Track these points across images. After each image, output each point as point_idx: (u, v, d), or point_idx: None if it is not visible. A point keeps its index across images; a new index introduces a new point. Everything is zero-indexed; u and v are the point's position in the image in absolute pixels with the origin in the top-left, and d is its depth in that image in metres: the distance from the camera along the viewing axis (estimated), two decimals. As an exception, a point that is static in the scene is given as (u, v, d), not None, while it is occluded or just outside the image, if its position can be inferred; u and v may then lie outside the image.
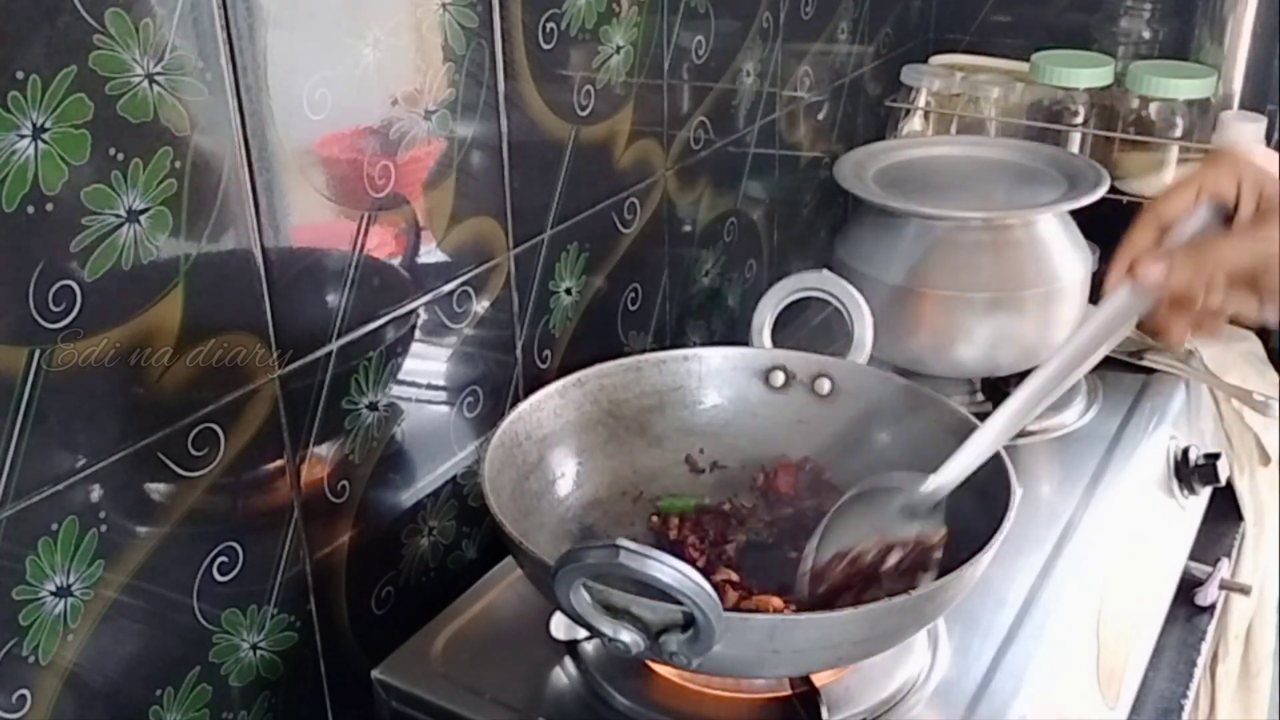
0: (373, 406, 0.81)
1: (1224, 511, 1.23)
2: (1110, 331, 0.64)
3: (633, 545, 0.58)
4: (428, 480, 0.89)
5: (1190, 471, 1.11)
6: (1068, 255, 1.05)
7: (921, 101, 1.40)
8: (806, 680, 0.73)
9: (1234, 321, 0.62)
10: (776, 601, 0.74)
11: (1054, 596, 0.86)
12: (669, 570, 0.58)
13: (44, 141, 0.57)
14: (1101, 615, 0.91)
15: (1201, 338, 0.62)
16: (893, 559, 0.70)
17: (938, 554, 0.70)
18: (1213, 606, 1.15)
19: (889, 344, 1.00)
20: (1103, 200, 1.05)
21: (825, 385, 0.89)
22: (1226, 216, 0.60)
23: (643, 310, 1.09)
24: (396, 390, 0.83)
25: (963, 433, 0.80)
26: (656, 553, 0.58)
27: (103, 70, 0.59)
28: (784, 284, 0.92)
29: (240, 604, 0.75)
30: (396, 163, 0.78)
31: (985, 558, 0.68)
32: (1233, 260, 0.59)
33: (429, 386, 0.87)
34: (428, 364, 0.86)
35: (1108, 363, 1.14)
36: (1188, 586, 1.14)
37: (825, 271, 0.92)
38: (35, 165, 0.57)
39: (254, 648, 0.77)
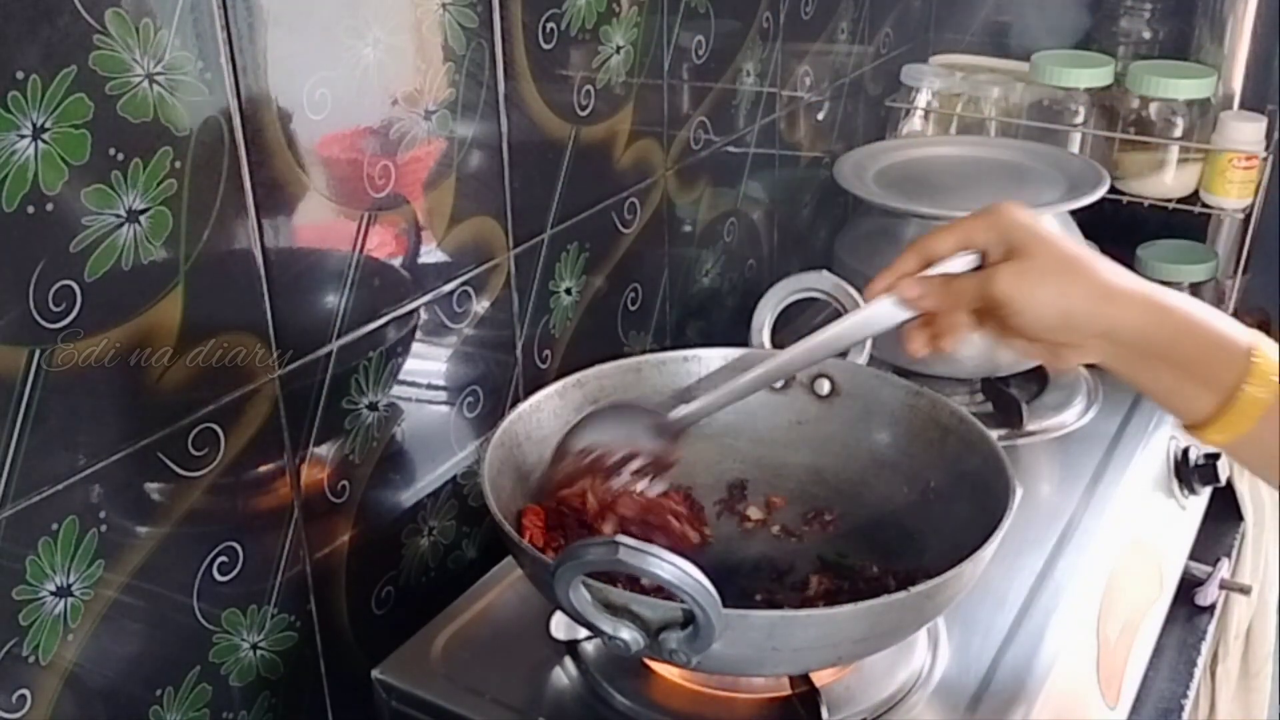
0: (373, 406, 0.81)
1: (1224, 511, 1.23)
2: (863, 331, 0.76)
3: (632, 542, 0.58)
4: (428, 480, 0.89)
5: (1190, 471, 1.11)
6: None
7: (921, 101, 1.40)
8: (806, 679, 0.73)
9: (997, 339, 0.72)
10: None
11: (1054, 596, 0.86)
12: (668, 567, 0.58)
13: (44, 141, 0.57)
14: (1101, 615, 0.91)
15: (936, 351, 0.74)
16: (634, 464, 0.79)
17: (672, 469, 0.81)
18: (1213, 606, 1.15)
19: (889, 344, 1.00)
20: (1103, 200, 1.05)
21: (825, 385, 0.89)
22: (983, 262, 0.70)
23: (643, 310, 1.09)
24: (396, 390, 0.83)
25: (963, 433, 0.81)
26: (656, 549, 0.58)
27: (103, 70, 0.59)
28: (784, 284, 0.92)
29: (240, 604, 0.75)
30: (396, 163, 0.78)
31: (985, 556, 0.68)
32: (967, 293, 0.69)
33: (429, 386, 0.87)
34: (428, 364, 0.86)
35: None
36: (1188, 586, 1.14)
37: (825, 272, 0.92)
38: (35, 165, 0.57)
39: (254, 648, 0.77)
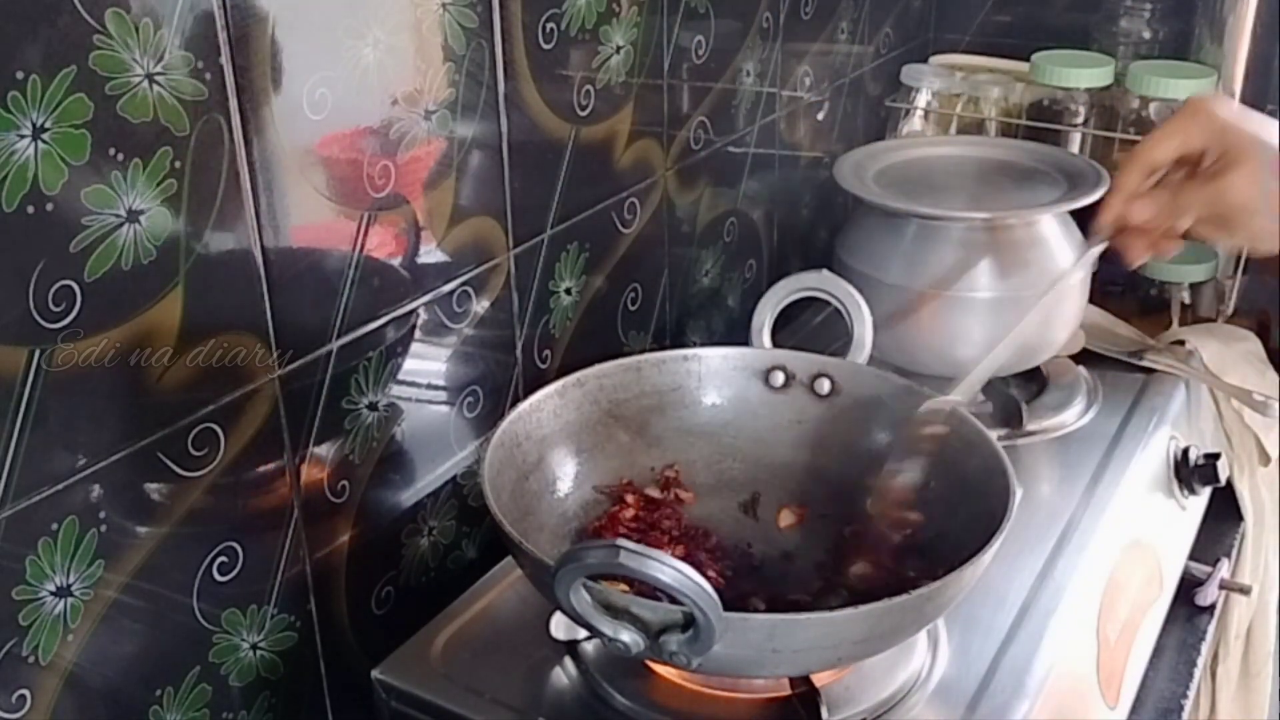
0: (373, 406, 0.81)
1: (1224, 511, 1.23)
2: (1088, 260, 0.78)
3: (632, 545, 0.58)
4: (428, 480, 0.89)
5: (1190, 471, 1.11)
6: (1068, 255, 1.05)
7: (921, 101, 1.40)
8: (806, 680, 0.73)
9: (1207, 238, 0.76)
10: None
11: (1054, 596, 0.86)
12: (669, 570, 0.58)
13: (44, 141, 0.57)
14: (1101, 615, 0.91)
15: (1159, 256, 0.76)
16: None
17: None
18: (1213, 606, 1.15)
19: (889, 344, 1.00)
20: (1103, 200, 1.04)
21: (825, 385, 0.89)
22: (1195, 161, 0.71)
23: (643, 310, 1.09)
24: (396, 390, 0.83)
25: (963, 433, 0.81)
26: (656, 553, 0.58)
27: (103, 70, 0.59)
28: (784, 284, 0.92)
29: (240, 604, 0.75)
30: (396, 163, 0.78)
31: (985, 558, 0.68)
32: (1200, 205, 0.69)
33: (429, 386, 0.87)
34: (428, 364, 0.86)
35: (1108, 363, 1.15)
36: (1188, 586, 1.14)
37: (825, 271, 0.92)
38: (35, 165, 0.57)
39: (254, 648, 0.77)
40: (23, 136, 0.56)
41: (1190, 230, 0.72)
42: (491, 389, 0.93)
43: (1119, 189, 0.72)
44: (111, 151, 0.60)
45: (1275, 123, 0.69)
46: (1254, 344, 1.24)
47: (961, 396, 0.80)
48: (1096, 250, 0.75)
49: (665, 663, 0.67)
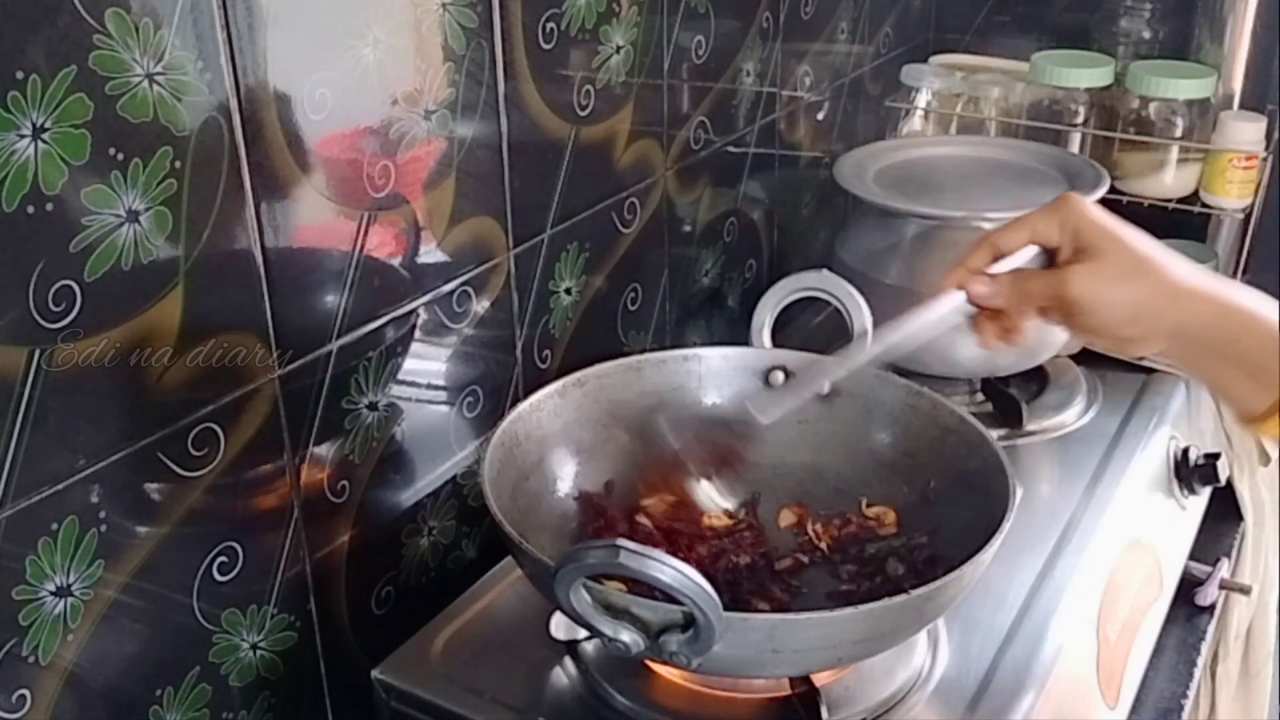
0: (373, 406, 0.81)
1: (1224, 511, 1.23)
2: (933, 326, 0.75)
3: (633, 545, 0.58)
4: (428, 480, 0.89)
5: (1190, 471, 1.11)
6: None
7: (921, 101, 1.40)
8: (806, 680, 0.73)
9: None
10: None
11: (1054, 596, 0.86)
12: (669, 570, 0.58)
13: (44, 141, 0.57)
14: (1101, 615, 0.91)
15: (1008, 344, 0.74)
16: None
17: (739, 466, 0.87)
18: (1213, 606, 1.15)
19: (889, 344, 1.00)
20: (1103, 200, 1.04)
21: (825, 385, 0.88)
22: (1051, 257, 0.71)
23: (643, 310, 1.09)
24: (396, 390, 0.83)
25: (963, 433, 0.81)
26: (657, 553, 0.58)
27: (103, 70, 0.59)
28: (784, 284, 0.92)
29: (240, 604, 0.75)
30: (396, 163, 0.78)
31: (985, 557, 0.68)
32: (1038, 293, 0.70)
33: (429, 386, 0.87)
34: (428, 364, 0.86)
35: (1108, 362, 1.15)
36: (1188, 586, 1.14)
37: (825, 271, 0.92)
38: (35, 165, 0.57)
39: (254, 647, 0.77)
40: (23, 136, 0.56)
41: (1046, 319, 0.72)
42: (491, 389, 0.93)
43: (962, 262, 0.73)
44: (111, 151, 0.60)
45: (1142, 233, 0.69)
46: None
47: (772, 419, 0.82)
48: (942, 313, 0.74)
49: (665, 663, 0.67)
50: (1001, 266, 0.72)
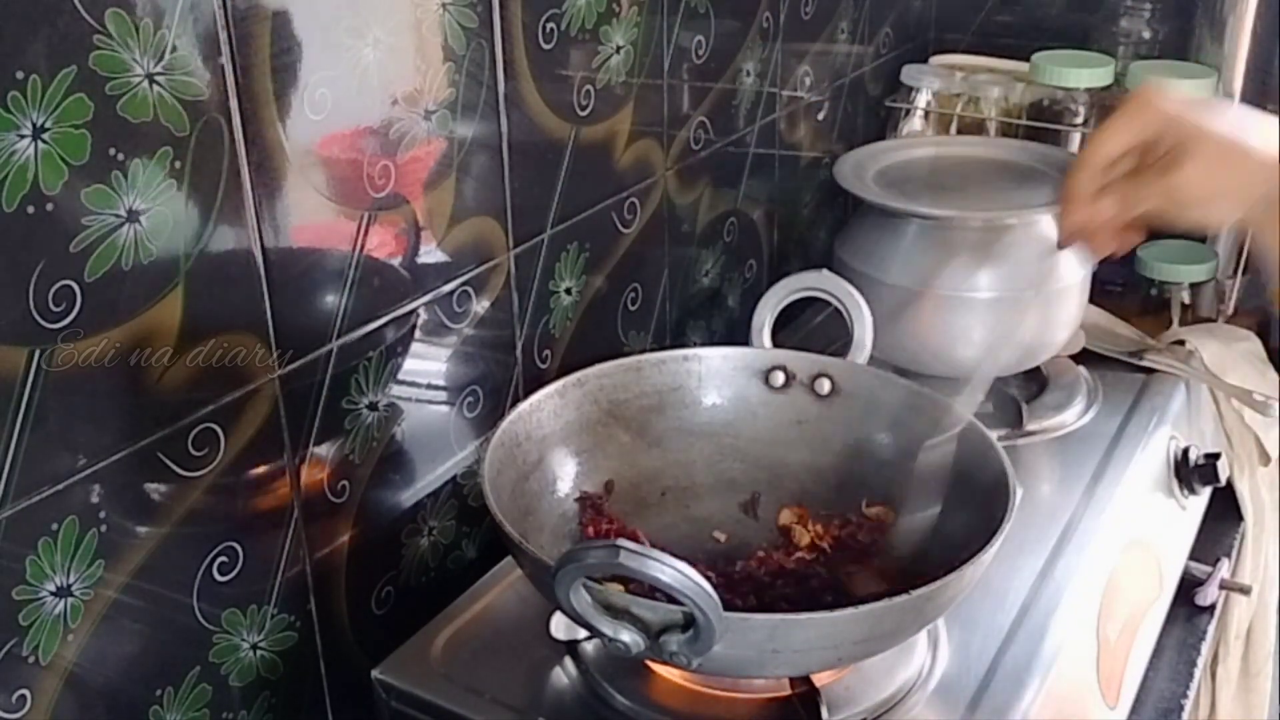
0: (373, 406, 0.81)
1: (1224, 511, 1.23)
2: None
3: (632, 545, 0.58)
4: (428, 480, 0.89)
5: (1190, 471, 1.11)
6: (1068, 255, 1.05)
7: (921, 101, 1.40)
8: (806, 680, 0.73)
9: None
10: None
11: (1054, 596, 0.86)
12: (669, 570, 0.58)
13: (44, 141, 0.57)
14: (1101, 615, 0.91)
15: (1121, 248, 0.78)
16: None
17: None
18: (1213, 606, 1.15)
19: (889, 344, 1.00)
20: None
21: (825, 385, 0.89)
22: (1143, 151, 0.73)
23: (643, 310, 1.09)
24: (396, 390, 0.83)
25: (963, 433, 0.81)
26: (656, 553, 0.58)
27: (103, 70, 0.59)
28: (784, 284, 0.92)
29: (240, 604, 0.75)
30: (396, 163, 0.78)
31: (985, 558, 0.68)
32: (1154, 197, 0.71)
33: (429, 386, 0.87)
34: (428, 364, 0.86)
35: (1108, 363, 1.15)
36: (1188, 586, 1.14)
37: (825, 271, 0.92)
38: (35, 165, 0.57)
39: (254, 648, 0.77)
40: (23, 136, 0.56)
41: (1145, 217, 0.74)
42: (491, 389, 0.93)
43: (1075, 195, 0.74)
44: (111, 151, 0.60)
45: (1220, 108, 0.71)
46: (1254, 344, 1.24)
47: (965, 412, 0.80)
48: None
49: (665, 663, 0.67)
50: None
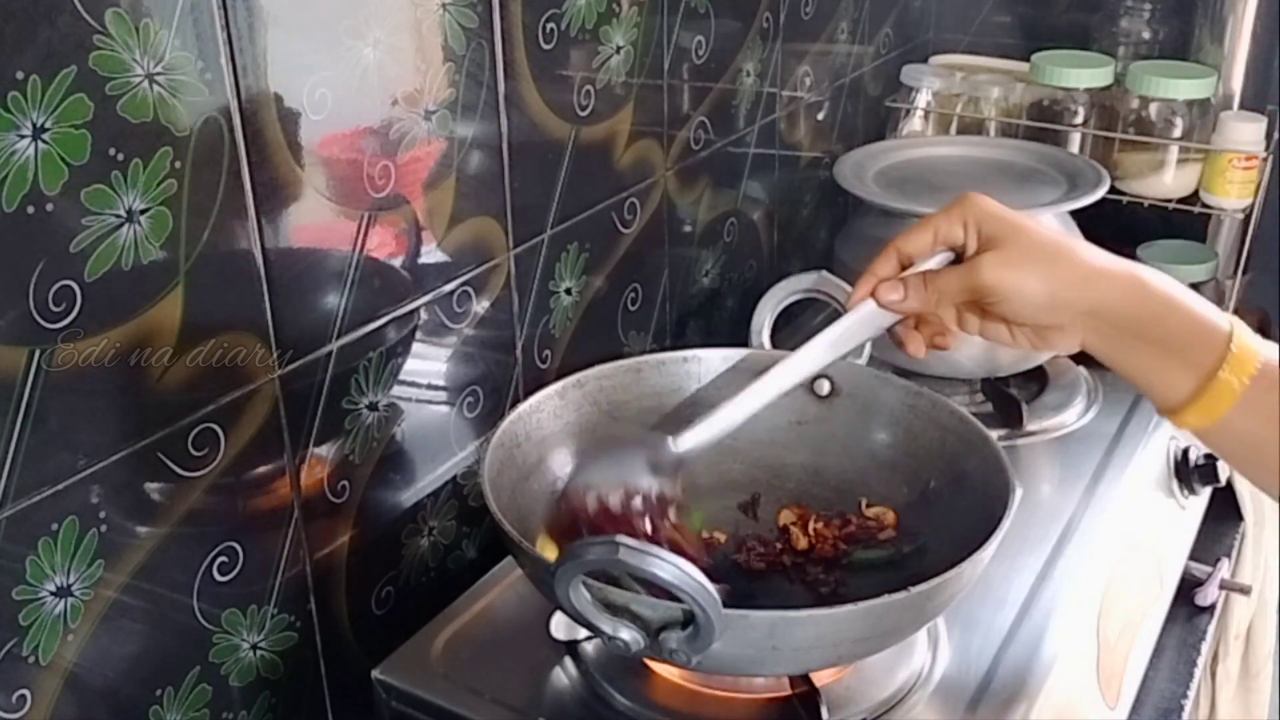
0: (373, 406, 0.81)
1: (1224, 511, 1.23)
2: (854, 337, 0.74)
3: (632, 542, 0.58)
4: (428, 480, 0.89)
5: (1190, 471, 1.11)
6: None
7: (921, 101, 1.40)
8: (806, 679, 0.73)
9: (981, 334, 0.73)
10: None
11: (1054, 596, 0.86)
12: (668, 567, 0.58)
13: (44, 141, 0.57)
14: (1101, 615, 0.91)
15: (939, 349, 0.74)
16: (636, 503, 0.73)
17: (674, 509, 0.74)
18: (1213, 606, 1.15)
19: (889, 344, 1.00)
20: (1103, 200, 1.04)
21: (825, 385, 0.88)
22: (960, 255, 0.71)
23: (643, 310, 1.09)
24: (396, 390, 0.83)
25: (963, 433, 0.81)
26: (656, 549, 0.58)
27: (103, 70, 0.59)
28: (783, 284, 0.92)
29: (240, 604, 0.75)
30: (396, 163, 0.78)
31: (984, 557, 0.68)
32: (951, 288, 0.70)
33: (429, 386, 0.87)
34: (428, 364, 0.86)
35: (1108, 363, 1.15)
36: (1188, 586, 1.14)
37: (825, 272, 0.92)
38: (35, 165, 0.57)
39: (254, 648, 0.77)
40: (23, 136, 0.56)
41: (963, 323, 0.72)
42: (491, 389, 0.93)
43: (870, 271, 0.72)
44: (111, 151, 0.60)
45: (1044, 224, 0.69)
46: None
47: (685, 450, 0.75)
48: (858, 323, 0.73)
49: (665, 661, 0.67)
50: (910, 272, 0.71)
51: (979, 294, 0.68)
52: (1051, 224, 1.04)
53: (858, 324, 0.73)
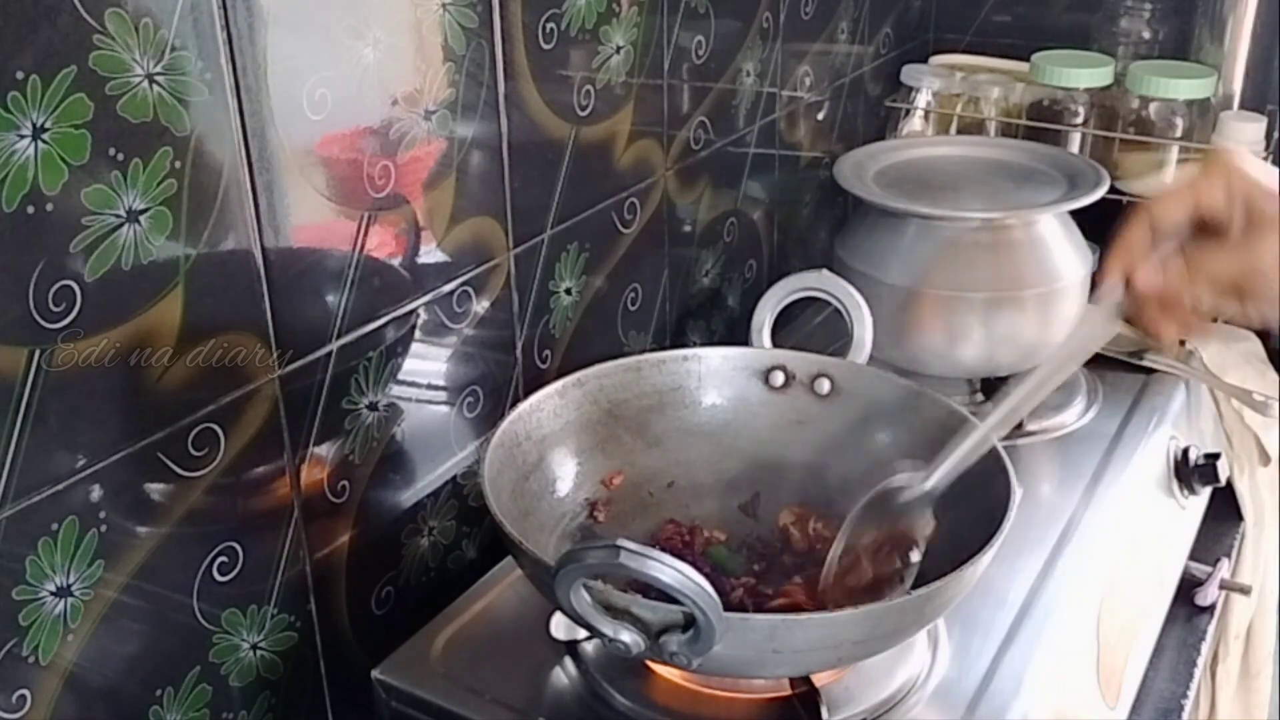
0: (373, 406, 0.81)
1: (1224, 511, 1.23)
2: (1104, 332, 0.68)
3: (633, 545, 0.58)
4: (428, 480, 0.89)
5: (1190, 471, 1.11)
6: (1068, 255, 1.05)
7: (921, 101, 1.40)
8: (806, 680, 0.73)
9: (1226, 320, 0.64)
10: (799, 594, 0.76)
11: (1054, 596, 0.86)
12: (669, 570, 0.58)
13: (44, 141, 0.57)
14: (1101, 615, 0.91)
15: (1190, 337, 0.64)
16: (884, 550, 0.73)
17: (921, 542, 0.74)
18: (1213, 606, 1.15)
19: (889, 344, 1.00)
20: (1103, 200, 1.04)
21: (825, 385, 0.89)
22: (1214, 223, 0.64)
23: (643, 310, 1.09)
24: (396, 390, 0.83)
25: (963, 433, 0.81)
26: (657, 553, 0.58)
27: (103, 70, 0.59)
28: (784, 284, 0.92)
29: (240, 604, 0.75)
30: (396, 163, 0.78)
31: (985, 558, 0.68)
32: (1223, 271, 0.63)
33: (429, 386, 0.87)
34: (428, 364, 0.86)
35: (1108, 363, 1.15)
36: (1188, 586, 1.14)
37: (825, 271, 0.92)
38: (35, 165, 0.57)
39: (254, 648, 0.77)
40: (23, 136, 0.56)
41: (1218, 306, 0.65)
42: (491, 389, 0.93)
43: (1122, 248, 0.65)
44: (111, 151, 0.60)
45: None
46: (1254, 344, 1.24)
47: (937, 482, 0.75)
48: (1105, 312, 0.66)
49: (666, 663, 0.67)
50: (1163, 242, 0.64)
51: (1255, 280, 0.61)
52: (1051, 224, 1.04)
53: (1107, 315, 0.67)
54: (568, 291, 0.98)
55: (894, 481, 0.77)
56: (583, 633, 0.79)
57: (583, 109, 0.94)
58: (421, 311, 0.83)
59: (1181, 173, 1.28)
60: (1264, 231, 0.61)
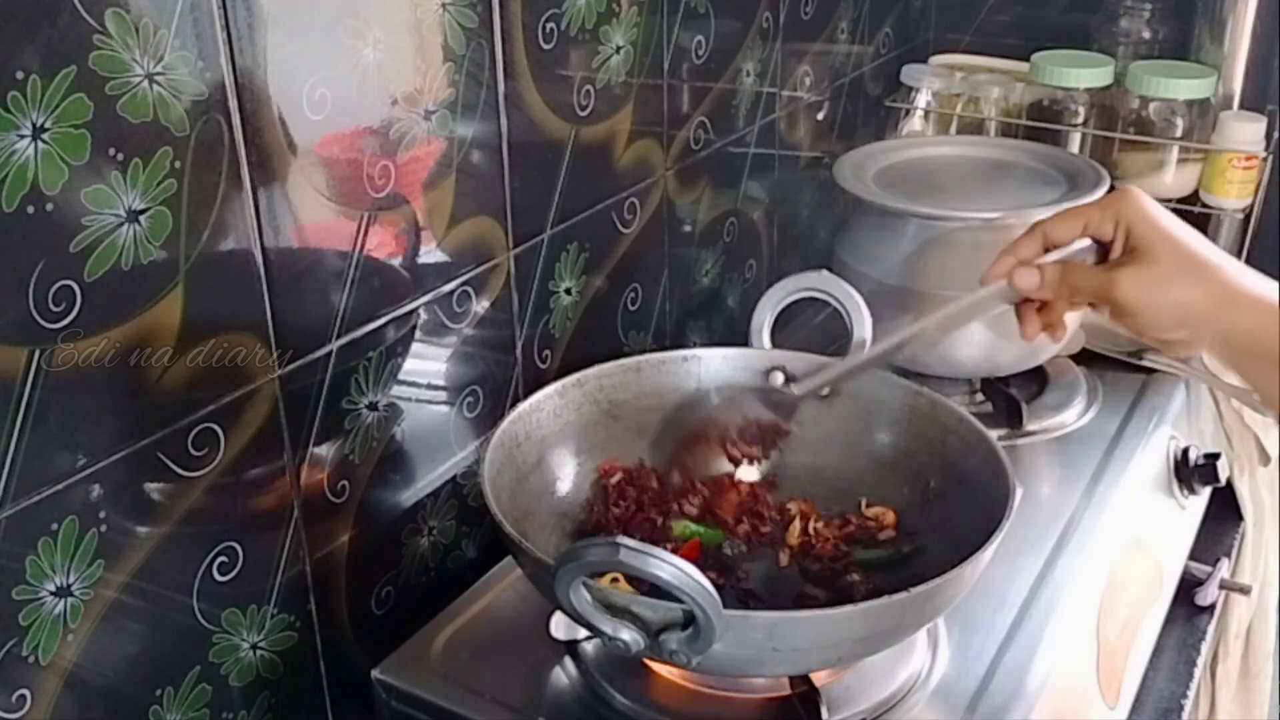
0: (373, 406, 0.81)
1: (1224, 511, 1.23)
2: (978, 311, 0.75)
3: (633, 543, 0.58)
4: (428, 480, 0.89)
5: (1190, 471, 1.11)
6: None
7: (921, 101, 1.40)
8: (806, 679, 0.73)
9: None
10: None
11: (1054, 596, 0.86)
12: (669, 568, 0.58)
13: (44, 141, 0.57)
14: (1101, 615, 0.91)
15: (1051, 338, 0.75)
16: (752, 430, 0.85)
17: (782, 439, 0.86)
18: (1213, 606, 1.15)
19: (889, 344, 1.00)
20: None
21: (825, 386, 0.88)
22: (1104, 249, 0.71)
23: (643, 310, 1.09)
24: (396, 390, 0.83)
25: (963, 433, 0.81)
26: (657, 550, 0.58)
27: (103, 70, 0.59)
28: (784, 284, 0.92)
29: (240, 604, 0.75)
30: (396, 163, 0.78)
31: (984, 557, 0.68)
32: (1085, 289, 0.69)
33: (429, 386, 0.87)
34: (428, 364, 0.86)
35: (1108, 363, 1.15)
36: (1188, 586, 1.14)
37: (825, 272, 0.92)
38: (35, 165, 0.57)
39: (254, 648, 0.77)
40: (23, 136, 0.56)
41: (1096, 309, 0.71)
42: (491, 389, 0.93)
43: (1011, 249, 0.72)
44: (111, 151, 0.60)
45: (1197, 234, 0.68)
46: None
47: (803, 393, 0.84)
48: (987, 298, 0.73)
49: (665, 661, 0.67)
50: (1051, 258, 0.71)
51: (1112, 304, 0.68)
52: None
53: (984, 300, 0.73)
54: (568, 291, 0.98)
55: (772, 382, 0.87)
56: (583, 632, 0.79)
57: (583, 109, 0.94)
58: (421, 311, 0.84)
59: (1185, 169, 1.28)
60: (1134, 261, 0.67)
